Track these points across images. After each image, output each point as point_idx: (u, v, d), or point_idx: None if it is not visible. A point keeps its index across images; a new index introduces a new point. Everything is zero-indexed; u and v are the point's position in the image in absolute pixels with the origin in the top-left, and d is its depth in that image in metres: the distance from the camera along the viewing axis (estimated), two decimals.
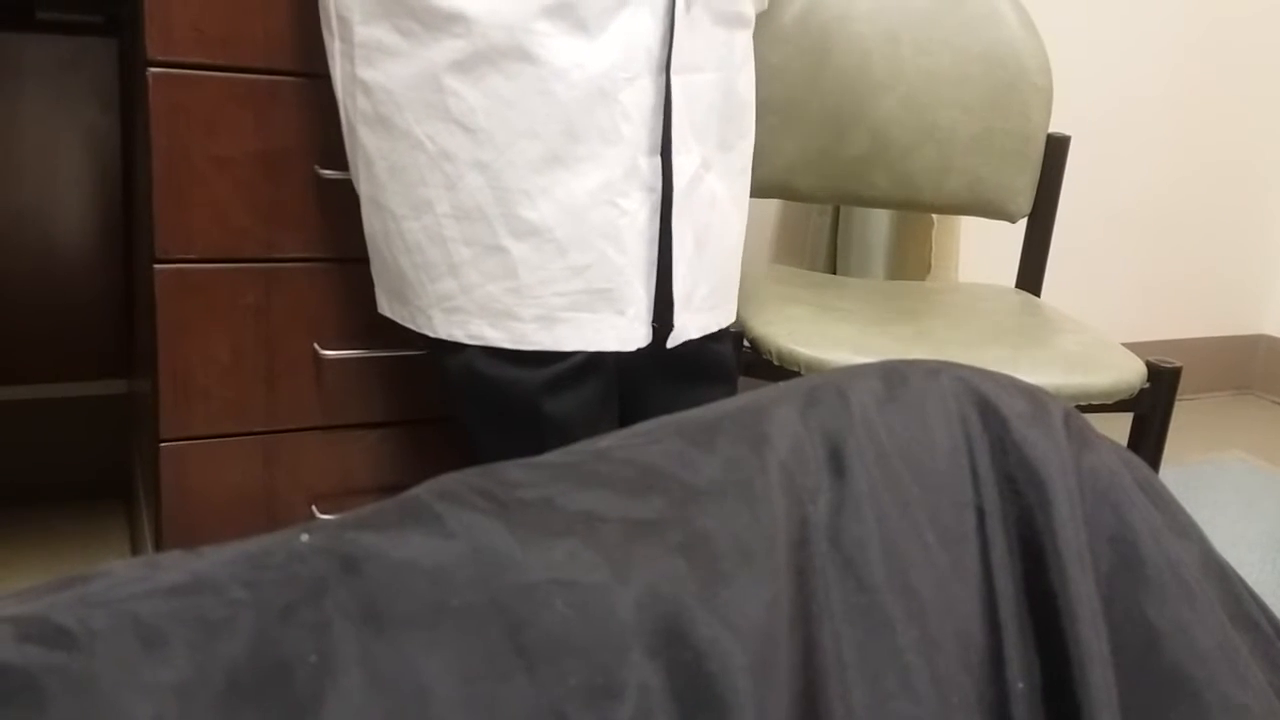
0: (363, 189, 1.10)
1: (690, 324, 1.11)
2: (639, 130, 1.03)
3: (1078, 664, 0.59)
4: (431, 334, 1.08)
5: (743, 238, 1.21)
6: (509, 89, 0.99)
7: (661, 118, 1.05)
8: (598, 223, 1.02)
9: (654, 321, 1.08)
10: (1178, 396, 1.34)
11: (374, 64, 1.02)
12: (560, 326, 1.04)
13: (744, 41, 1.15)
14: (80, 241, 1.63)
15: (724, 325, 1.18)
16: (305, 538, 0.50)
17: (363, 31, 1.02)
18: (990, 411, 0.67)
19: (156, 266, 1.16)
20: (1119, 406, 1.30)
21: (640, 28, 1.01)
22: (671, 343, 1.09)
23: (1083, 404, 1.26)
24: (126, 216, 1.58)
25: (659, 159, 1.05)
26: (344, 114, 1.09)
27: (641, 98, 1.03)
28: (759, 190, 1.57)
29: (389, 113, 1.03)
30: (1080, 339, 1.40)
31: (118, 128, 1.60)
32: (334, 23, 1.06)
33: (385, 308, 1.15)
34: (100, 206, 1.63)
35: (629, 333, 1.06)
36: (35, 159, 1.58)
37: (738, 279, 1.21)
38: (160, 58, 1.12)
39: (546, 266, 1.02)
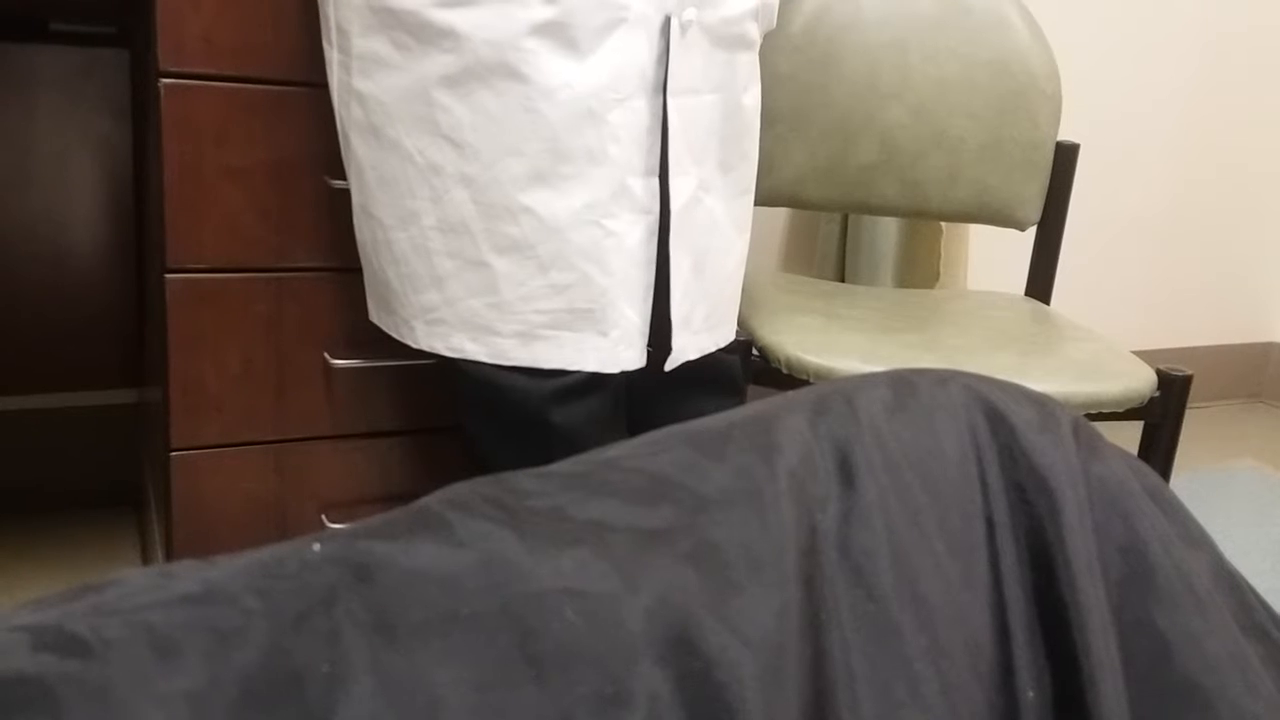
0: (355, 197, 1.11)
1: (689, 346, 1.11)
2: (629, 151, 1.03)
3: (1088, 673, 0.59)
4: (414, 345, 1.08)
5: (744, 259, 1.21)
6: (496, 105, 0.99)
7: (659, 140, 1.04)
8: (581, 243, 1.02)
9: (652, 343, 1.08)
10: (1188, 404, 1.33)
11: (369, 75, 1.03)
12: (539, 344, 1.04)
13: (747, 62, 1.14)
14: (92, 251, 1.64)
15: (721, 345, 1.18)
16: (317, 547, 0.50)
17: (360, 43, 1.03)
18: (999, 420, 0.67)
19: (168, 276, 1.17)
20: (1129, 415, 1.29)
21: (634, 49, 1.01)
22: (670, 365, 1.10)
23: (1093, 412, 1.26)
24: (138, 226, 1.59)
25: (656, 181, 1.05)
26: (340, 123, 1.10)
27: (633, 119, 1.03)
28: (767, 199, 1.58)
29: (381, 124, 1.03)
30: (1090, 347, 1.40)
31: (129, 138, 1.61)
32: (334, 34, 1.06)
33: (374, 316, 1.15)
34: (112, 216, 1.64)
35: (612, 354, 1.06)
36: (47, 169, 1.59)
37: (738, 299, 1.21)
38: (171, 68, 1.12)
39: (527, 283, 1.02)
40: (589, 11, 0.99)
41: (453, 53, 0.98)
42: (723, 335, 1.18)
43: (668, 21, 1.02)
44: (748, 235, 1.21)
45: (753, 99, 1.17)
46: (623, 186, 1.03)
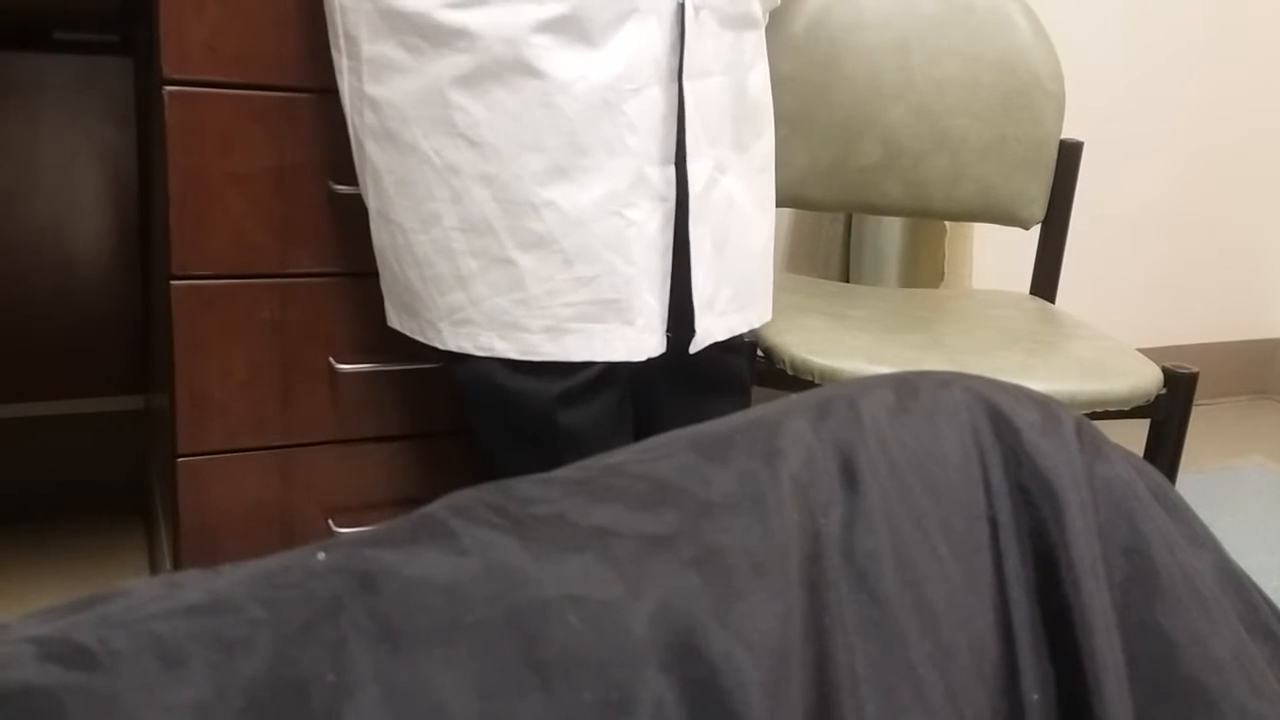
0: (371, 203, 1.11)
1: (715, 327, 1.11)
2: (646, 141, 1.03)
3: (1092, 675, 0.59)
4: (441, 346, 1.08)
5: (771, 237, 1.20)
6: (513, 102, 1.00)
7: (675, 127, 1.05)
8: (604, 234, 1.03)
9: (674, 329, 1.08)
10: (1195, 402, 1.33)
11: (381, 80, 1.03)
12: (568, 337, 1.05)
13: (753, 41, 1.15)
14: (97, 258, 1.64)
15: (755, 326, 1.18)
16: (322, 556, 0.50)
17: (370, 49, 1.03)
18: (1002, 422, 0.67)
19: (173, 283, 1.17)
20: (1135, 413, 1.29)
21: (647, 38, 1.02)
22: (695, 348, 1.09)
23: (1099, 411, 1.26)
24: (143, 233, 1.59)
25: (672, 169, 1.05)
26: (352, 130, 1.10)
27: (649, 107, 1.03)
28: None
29: (396, 128, 1.04)
30: (1096, 345, 1.40)
31: (134, 145, 1.62)
32: (342, 40, 1.07)
33: (395, 321, 1.15)
34: (116, 223, 1.64)
35: (638, 343, 1.06)
36: (52, 177, 1.60)
37: (769, 278, 1.21)
38: (175, 76, 1.13)
39: (553, 278, 1.03)
40: (600, 5, 0.99)
41: (467, 52, 0.99)
42: (756, 315, 1.18)
43: (678, 7, 1.03)
44: (772, 213, 1.21)
45: (760, 76, 1.17)
46: (641, 176, 1.04)
